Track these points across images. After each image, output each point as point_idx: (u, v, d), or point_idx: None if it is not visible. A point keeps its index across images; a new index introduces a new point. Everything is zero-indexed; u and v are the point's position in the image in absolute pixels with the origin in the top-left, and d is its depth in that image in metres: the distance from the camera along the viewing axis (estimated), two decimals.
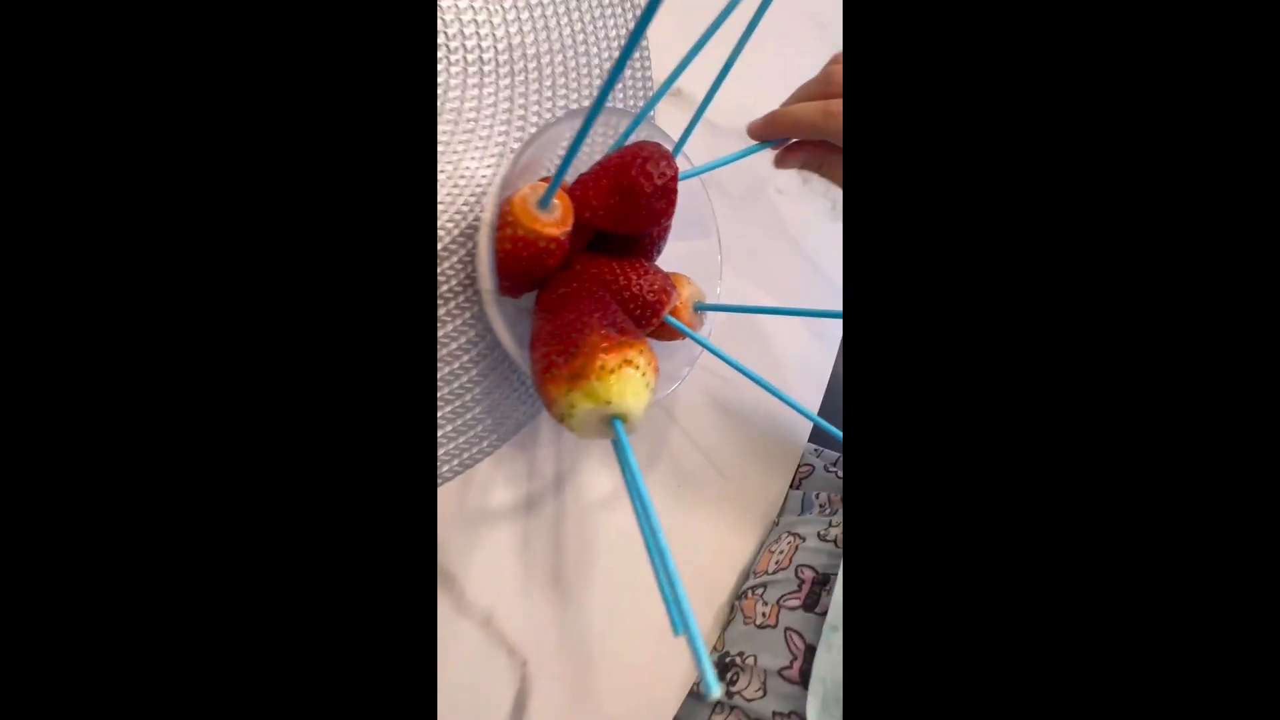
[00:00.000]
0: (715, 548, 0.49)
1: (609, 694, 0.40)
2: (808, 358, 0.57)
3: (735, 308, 0.34)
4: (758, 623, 0.46)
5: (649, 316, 0.30)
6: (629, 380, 0.24)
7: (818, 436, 0.60)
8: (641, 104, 0.35)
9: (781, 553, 0.49)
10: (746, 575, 0.50)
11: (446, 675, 0.33)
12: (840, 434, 0.32)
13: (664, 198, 0.28)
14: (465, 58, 0.32)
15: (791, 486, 0.57)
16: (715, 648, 0.49)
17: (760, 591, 0.47)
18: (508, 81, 0.33)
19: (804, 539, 0.48)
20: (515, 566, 0.36)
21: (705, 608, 0.48)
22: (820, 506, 0.52)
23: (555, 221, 0.28)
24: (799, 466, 0.58)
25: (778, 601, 0.45)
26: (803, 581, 0.45)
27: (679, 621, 0.20)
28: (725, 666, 0.46)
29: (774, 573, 0.48)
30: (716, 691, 0.16)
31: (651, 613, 0.43)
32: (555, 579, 0.37)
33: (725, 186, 0.48)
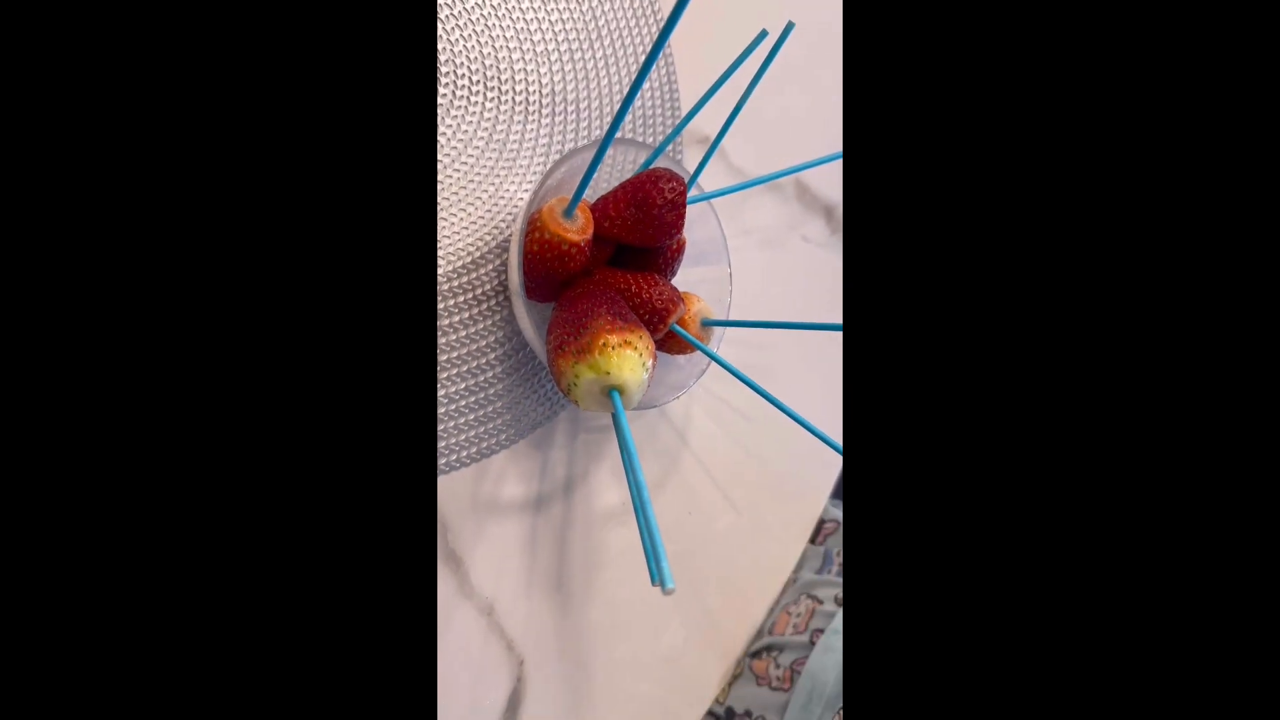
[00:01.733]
0: (726, 594, 0.49)
1: (605, 715, 0.40)
2: (829, 409, 0.58)
3: (740, 323, 0.36)
4: (771, 685, 0.45)
5: (656, 323, 0.33)
6: (628, 358, 0.27)
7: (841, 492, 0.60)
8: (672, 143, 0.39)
9: (799, 616, 0.48)
10: (760, 633, 0.50)
11: (446, 652, 0.34)
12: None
13: (673, 210, 0.31)
14: (514, 100, 0.37)
15: (813, 542, 0.56)
16: (718, 700, 0.48)
17: (775, 654, 0.47)
18: (548, 121, 0.38)
19: (821, 602, 0.48)
20: (520, 562, 0.37)
21: (710, 654, 0.48)
22: (839, 567, 0.52)
23: (577, 229, 0.31)
24: (824, 523, 0.57)
25: (791, 666, 0.45)
26: (814, 644, 0.45)
27: (655, 571, 0.22)
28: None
29: (790, 635, 0.47)
30: (671, 584, 0.17)
31: (653, 642, 0.43)
32: (558, 583, 0.39)
33: (752, 232, 0.51)
